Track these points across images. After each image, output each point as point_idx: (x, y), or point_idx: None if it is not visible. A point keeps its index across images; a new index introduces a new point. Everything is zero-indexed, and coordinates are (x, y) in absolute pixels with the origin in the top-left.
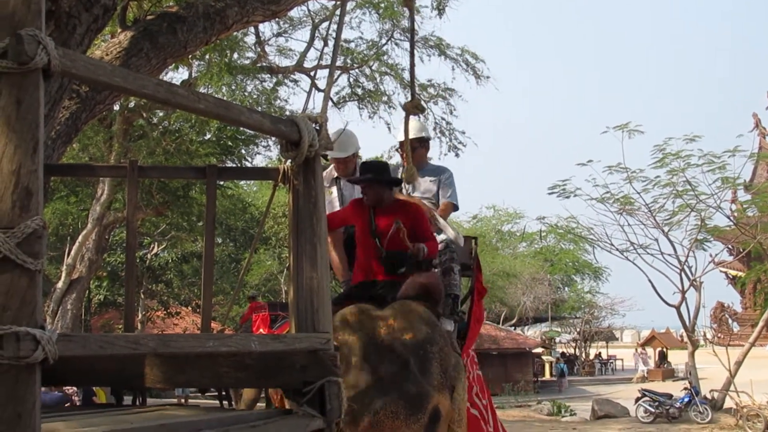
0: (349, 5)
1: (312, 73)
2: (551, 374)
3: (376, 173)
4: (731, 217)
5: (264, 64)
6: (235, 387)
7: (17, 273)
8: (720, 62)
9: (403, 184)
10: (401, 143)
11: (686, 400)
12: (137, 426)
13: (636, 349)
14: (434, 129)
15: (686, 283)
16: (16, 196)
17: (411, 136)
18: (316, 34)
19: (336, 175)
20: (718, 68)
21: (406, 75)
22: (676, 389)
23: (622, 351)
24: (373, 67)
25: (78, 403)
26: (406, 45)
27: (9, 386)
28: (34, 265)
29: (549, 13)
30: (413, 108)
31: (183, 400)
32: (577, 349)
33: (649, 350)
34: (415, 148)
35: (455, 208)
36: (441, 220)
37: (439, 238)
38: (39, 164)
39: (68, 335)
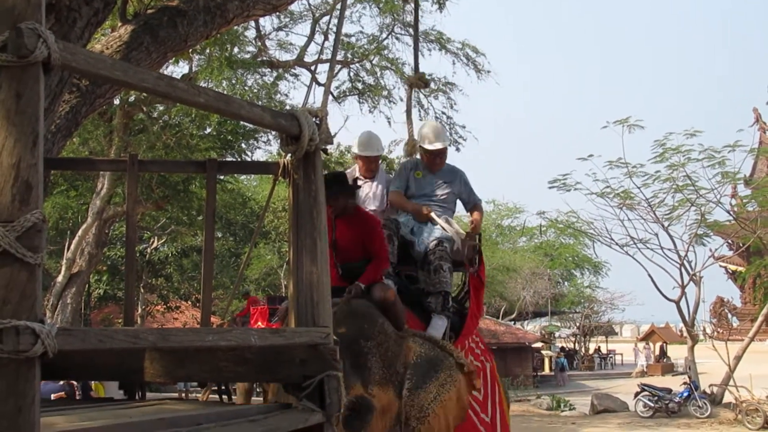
0: None
1: (312, 68)
2: (551, 369)
3: (341, 184)
4: (731, 212)
5: (264, 58)
6: (234, 381)
7: (17, 267)
8: (720, 58)
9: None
10: (445, 146)
11: (685, 394)
12: (136, 420)
13: (635, 344)
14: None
15: (686, 278)
16: (16, 190)
17: (439, 146)
18: (316, 29)
19: (357, 175)
20: (718, 64)
21: (407, 69)
22: (676, 384)
23: (621, 346)
24: (374, 62)
25: (78, 397)
26: (407, 39)
27: (9, 380)
28: (34, 259)
29: (550, 7)
30: (417, 81)
31: (184, 395)
32: (576, 344)
33: (652, 345)
34: (443, 154)
35: (481, 201)
36: (439, 221)
37: (434, 235)
38: (39, 158)
39: (68, 329)
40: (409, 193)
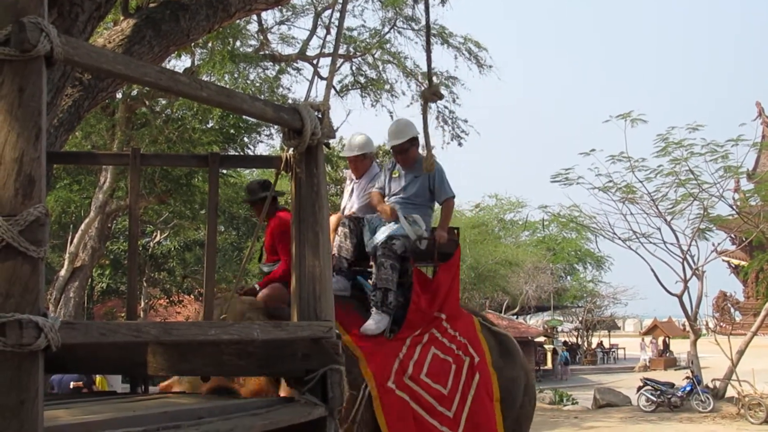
0: None
1: (315, 62)
2: (553, 363)
3: (250, 194)
4: (734, 206)
5: (266, 52)
6: (237, 375)
7: (20, 260)
8: (724, 52)
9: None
10: (407, 141)
11: (688, 389)
12: (140, 414)
13: (642, 339)
14: (437, 118)
15: (689, 272)
16: (19, 184)
17: (396, 143)
18: (318, 22)
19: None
20: (722, 58)
21: (409, 63)
22: (678, 378)
23: (624, 340)
24: (376, 56)
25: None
26: (409, 33)
27: (12, 373)
28: (37, 253)
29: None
30: (431, 95)
31: None
32: (579, 338)
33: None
34: (407, 149)
35: (454, 197)
36: (402, 218)
37: (386, 232)
38: (42, 152)
39: (71, 323)
40: (387, 193)
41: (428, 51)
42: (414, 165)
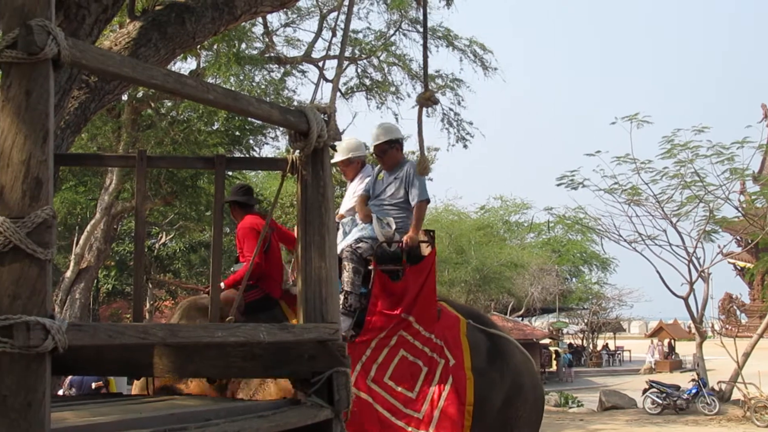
0: None
1: (320, 64)
2: (558, 366)
3: (233, 195)
4: (739, 208)
5: (272, 54)
6: (243, 377)
7: (27, 262)
8: (730, 54)
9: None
10: (384, 142)
11: (694, 391)
12: (147, 415)
13: (651, 341)
14: (442, 120)
15: (694, 275)
16: (26, 186)
17: (382, 140)
18: (324, 25)
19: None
20: (729, 60)
21: (414, 66)
22: (684, 381)
23: (629, 342)
24: (381, 58)
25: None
26: (414, 36)
27: (19, 375)
28: (44, 255)
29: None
30: (426, 100)
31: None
32: (584, 340)
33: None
34: (386, 151)
35: (428, 202)
36: (374, 221)
37: (355, 235)
38: (49, 154)
39: (78, 324)
40: (372, 195)
41: (425, 55)
42: (395, 167)
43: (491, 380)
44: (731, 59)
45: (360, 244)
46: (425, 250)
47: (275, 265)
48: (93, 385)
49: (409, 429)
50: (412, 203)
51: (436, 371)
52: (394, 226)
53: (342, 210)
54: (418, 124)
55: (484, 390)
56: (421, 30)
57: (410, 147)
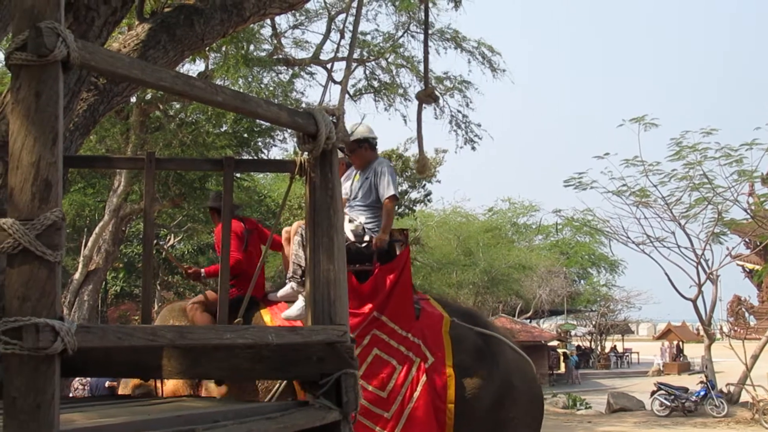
0: None
1: (328, 66)
2: (566, 368)
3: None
4: (748, 210)
5: (280, 56)
6: (251, 379)
7: (37, 264)
8: (740, 55)
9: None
10: (353, 141)
11: (702, 393)
12: (155, 417)
13: (662, 343)
14: (450, 122)
15: (703, 277)
16: (36, 188)
17: (351, 139)
18: (332, 27)
19: None
20: (737, 61)
21: (423, 67)
22: (692, 383)
23: (638, 344)
24: (389, 60)
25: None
26: (422, 37)
27: (28, 377)
28: (54, 257)
29: (563, 3)
30: (426, 97)
31: None
32: (592, 343)
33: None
34: (354, 150)
35: (396, 199)
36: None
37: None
38: (58, 156)
39: (87, 326)
40: (350, 197)
41: (425, 52)
42: (366, 167)
43: (478, 379)
44: (733, 59)
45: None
46: (399, 249)
47: (255, 265)
48: (107, 384)
49: (377, 429)
50: (381, 199)
51: (410, 370)
52: (363, 225)
53: None
54: (417, 121)
55: (469, 388)
56: (429, 32)
57: (429, 142)
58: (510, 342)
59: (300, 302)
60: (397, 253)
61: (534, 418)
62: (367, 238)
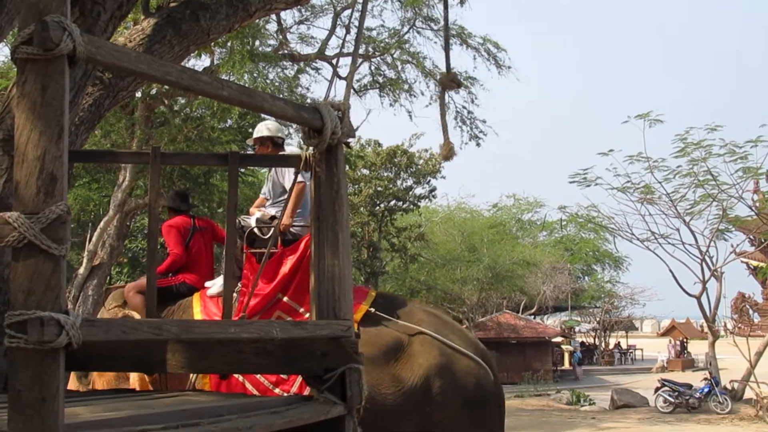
0: None
1: (334, 61)
2: (570, 363)
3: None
4: (753, 208)
5: (285, 51)
6: (256, 373)
7: (42, 258)
8: (746, 53)
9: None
10: (256, 139)
11: (706, 390)
12: (159, 411)
13: (670, 340)
14: (455, 118)
15: (707, 273)
16: (41, 182)
17: (249, 142)
18: (337, 22)
19: None
20: (743, 58)
21: (428, 64)
22: (696, 379)
23: (642, 341)
24: (395, 56)
25: None
26: (428, 33)
27: (33, 370)
28: (59, 251)
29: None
30: (449, 82)
31: None
32: (596, 339)
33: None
34: (257, 148)
35: (301, 182)
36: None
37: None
38: (63, 150)
39: (92, 320)
40: (267, 198)
41: (446, 38)
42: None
43: (382, 374)
44: (741, 57)
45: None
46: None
47: (197, 260)
48: None
49: None
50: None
51: None
52: (267, 215)
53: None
54: (440, 106)
55: (373, 383)
56: (435, 28)
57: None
58: (449, 342)
59: (218, 280)
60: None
61: (476, 422)
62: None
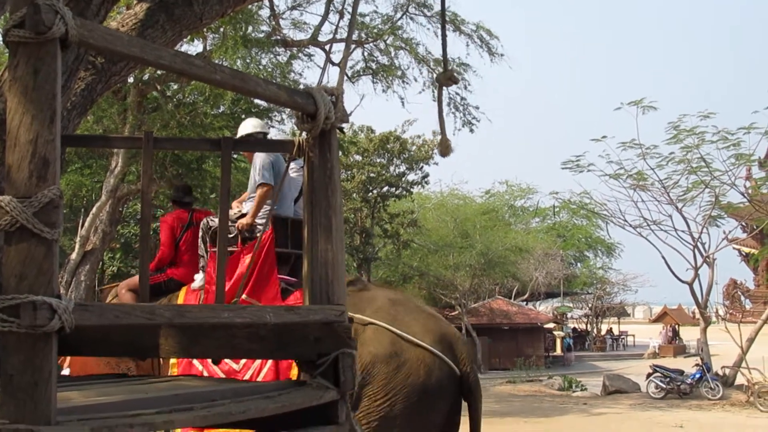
0: None
1: (327, 47)
2: (562, 349)
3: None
4: (745, 194)
5: (278, 37)
6: (249, 358)
7: (34, 242)
8: (738, 38)
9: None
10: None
11: (697, 376)
12: (152, 396)
13: (663, 326)
14: (448, 104)
15: (699, 260)
16: (33, 166)
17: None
18: (330, 8)
19: None
20: (736, 44)
21: (421, 50)
22: (688, 365)
23: (633, 327)
24: (388, 42)
25: None
26: (421, 20)
27: (25, 355)
28: (51, 235)
29: None
30: (446, 80)
31: None
32: (588, 325)
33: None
34: None
35: (264, 186)
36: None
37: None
38: (56, 134)
39: (84, 304)
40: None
41: (443, 34)
42: (253, 161)
43: None
44: (739, 43)
45: (210, 224)
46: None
47: (189, 254)
48: None
49: None
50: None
51: None
52: (238, 212)
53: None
54: (438, 104)
55: None
56: (429, 14)
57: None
58: (399, 332)
59: (199, 275)
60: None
61: (422, 412)
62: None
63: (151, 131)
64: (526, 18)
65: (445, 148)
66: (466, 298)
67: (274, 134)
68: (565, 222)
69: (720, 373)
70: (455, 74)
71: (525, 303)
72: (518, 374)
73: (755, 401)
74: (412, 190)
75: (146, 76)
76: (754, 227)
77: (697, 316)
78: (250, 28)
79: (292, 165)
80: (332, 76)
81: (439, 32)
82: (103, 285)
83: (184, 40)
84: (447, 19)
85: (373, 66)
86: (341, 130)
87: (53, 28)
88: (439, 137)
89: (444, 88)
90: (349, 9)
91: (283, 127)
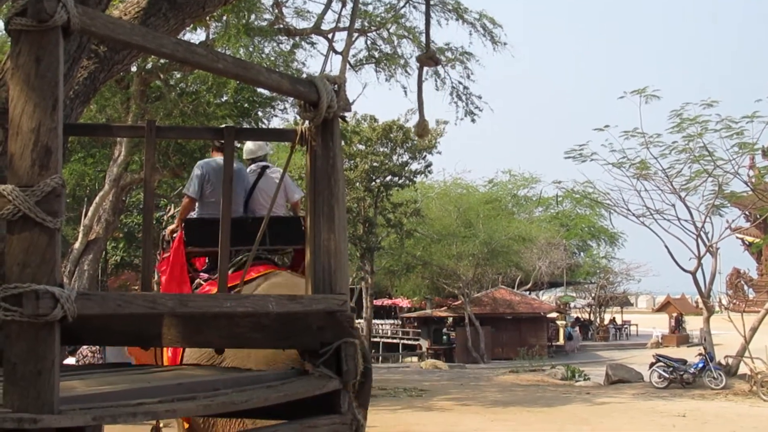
0: None
1: (330, 36)
2: (565, 339)
3: None
4: (748, 183)
5: (281, 26)
6: (251, 347)
7: (37, 231)
8: (742, 27)
9: None
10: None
11: (700, 365)
12: (155, 385)
13: (671, 316)
14: (451, 93)
15: (702, 249)
16: (36, 155)
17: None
18: None
19: None
20: (740, 33)
21: (424, 37)
22: (691, 355)
23: (636, 316)
24: (391, 30)
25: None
26: (424, 8)
27: (29, 343)
28: (53, 224)
29: None
30: (427, 60)
31: None
32: (591, 315)
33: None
34: None
35: (186, 196)
36: None
37: None
38: (58, 122)
39: (87, 294)
40: None
41: (427, 14)
42: None
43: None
44: (743, 32)
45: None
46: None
47: None
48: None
49: None
50: None
51: None
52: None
53: None
54: (418, 84)
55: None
56: (432, 2)
57: (429, 113)
58: None
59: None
60: None
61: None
62: None
63: (154, 120)
64: (527, 9)
65: (422, 129)
66: (469, 288)
67: (276, 123)
68: (568, 211)
69: (723, 362)
70: (436, 55)
71: (528, 293)
72: (521, 364)
73: (758, 390)
74: (415, 179)
75: (149, 65)
76: (758, 216)
77: (701, 305)
78: (253, 17)
79: (252, 167)
80: (335, 64)
81: (442, 21)
82: (106, 274)
83: (187, 28)
84: (450, 8)
85: (376, 55)
86: (344, 118)
87: (55, 16)
88: (417, 118)
89: (425, 68)
90: None
91: (287, 116)
